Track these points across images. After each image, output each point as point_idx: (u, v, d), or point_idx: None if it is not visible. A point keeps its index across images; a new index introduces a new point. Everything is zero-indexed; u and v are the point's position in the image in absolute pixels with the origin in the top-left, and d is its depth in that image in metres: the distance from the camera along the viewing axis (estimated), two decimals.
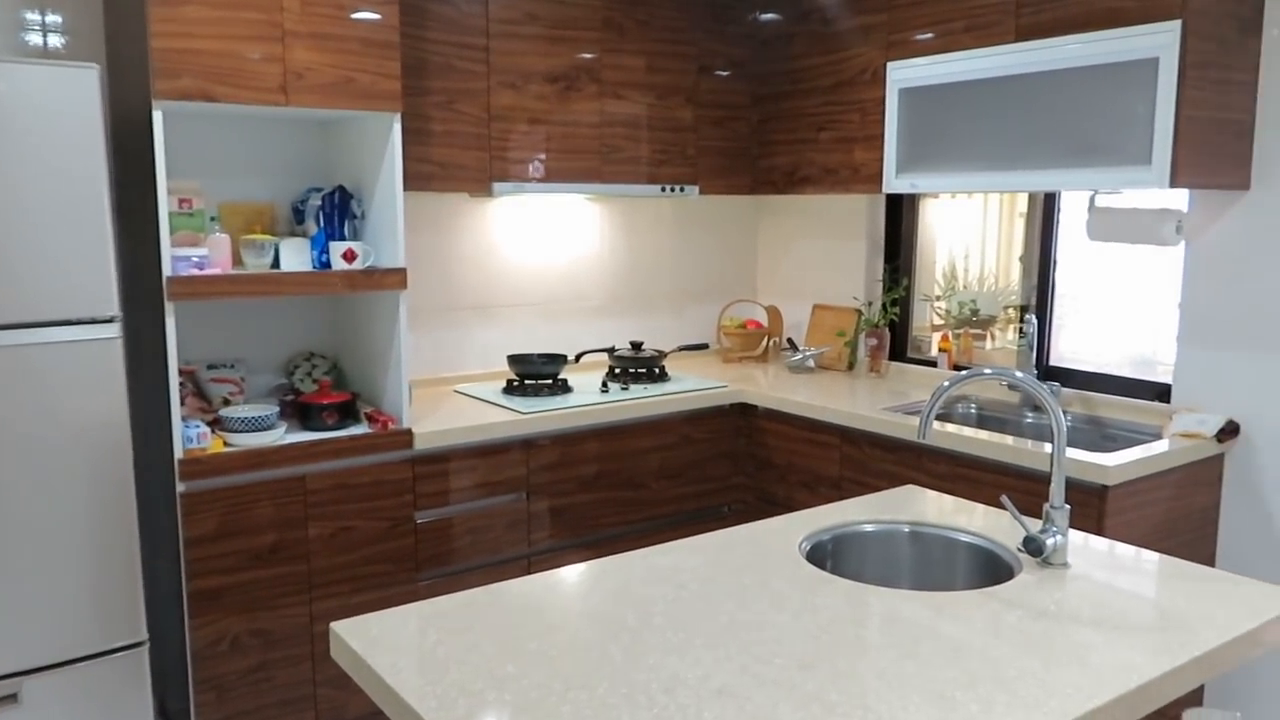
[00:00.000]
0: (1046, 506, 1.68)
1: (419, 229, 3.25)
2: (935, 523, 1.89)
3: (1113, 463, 2.34)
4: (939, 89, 2.89)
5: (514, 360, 3.23)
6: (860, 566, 1.89)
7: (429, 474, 2.74)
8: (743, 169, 3.60)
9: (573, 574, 1.64)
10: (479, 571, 2.86)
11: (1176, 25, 2.34)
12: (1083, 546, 1.78)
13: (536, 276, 3.53)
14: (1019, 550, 1.74)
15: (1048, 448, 2.49)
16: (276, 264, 2.63)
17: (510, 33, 3.01)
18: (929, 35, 2.94)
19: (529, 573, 3.00)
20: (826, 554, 1.86)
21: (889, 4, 3.06)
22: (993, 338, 4.21)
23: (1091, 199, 2.75)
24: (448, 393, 3.23)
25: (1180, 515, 2.57)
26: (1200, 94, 2.40)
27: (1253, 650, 1.45)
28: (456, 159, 2.95)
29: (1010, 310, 4.84)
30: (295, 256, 2.64)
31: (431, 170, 2.91)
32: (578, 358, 3.41)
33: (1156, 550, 1.95)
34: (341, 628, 1.43)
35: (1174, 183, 2.38)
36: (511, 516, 2.90)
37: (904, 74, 2.98)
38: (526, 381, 3.21)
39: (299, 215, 2.85)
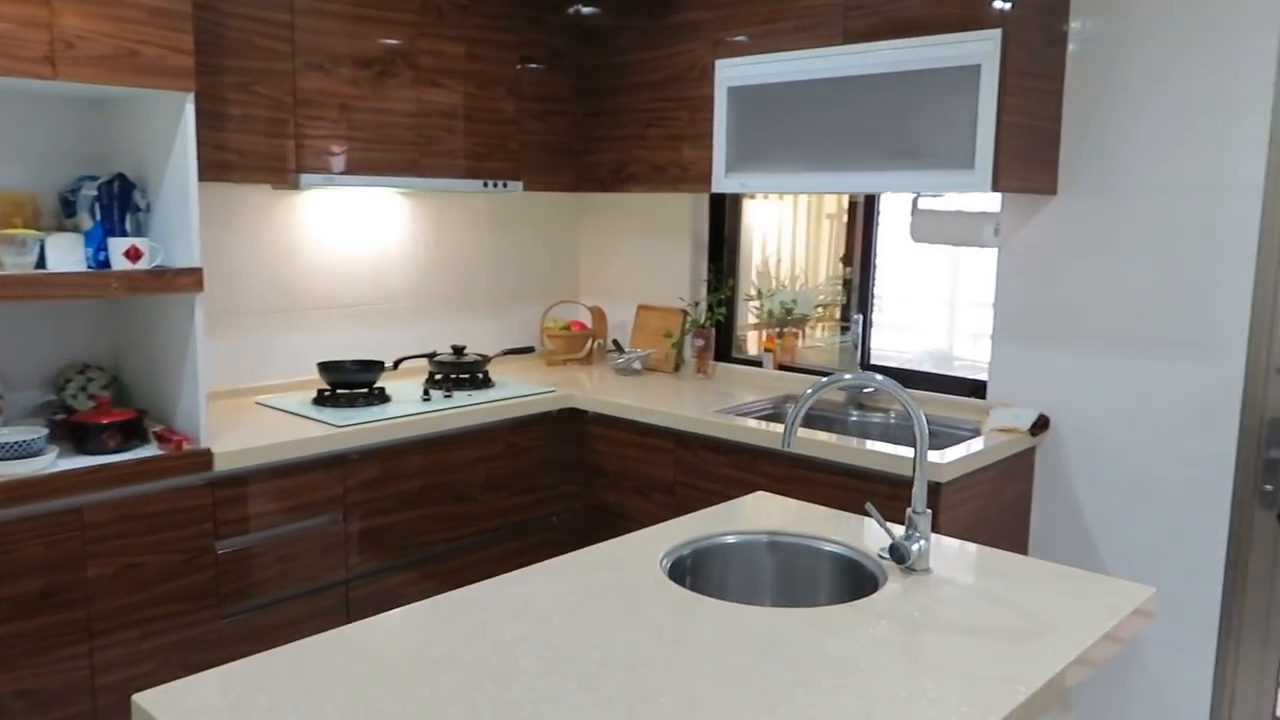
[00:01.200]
0: (909, 511, 1.66)
1: (215, 224, 2.92)
2: (795, 531, 1.84)
3: (946, 460, 2.39)
4: (768, 88, 2.87)
5: (325, 368, 2.97)
6: (723, 581, 1.81)
7: (231, 498, 2.45)
8: (566, 165, 3.48)
9: (421, 612, 1.46)
10: (292, 602, 2.59)
11: (997, 34, 2.41)
12: (936, 547, 1.77)
13: (347, 276, 3.27)
14: (880, 556, 1.71)
15: (879, 447, 2.52)
16: (42, 263, 2.27)
17: (317, 9, 2.75)
18: (758, 34, 2.92)
19: (348, 600, 2.78)
20: (686, 570, 1.77)
21: (717, 1, 3.02)
22: (803, 336, 4.30)
23: (914, 201, 2.81)
24: (248, 405, 2.93)
25: (998, 507, 2.66)
26: (1018, 101, 2.48)
27: (1114, 647, 1.47)
28: (257, 147, 2.66)
29: (821, 309, 4.98)
30: (65, 254, 2.28)
31: (229, 159, 2.61)
32: (396, 364, 3.18)
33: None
34: (146, 700, 1.20)
35: (996, 186, 2.45)
36: (327, 540, 2.65)
37: (733, 72, 2.95)
38: (339, 391, 2.95)
39: (69, 207, 2.48)
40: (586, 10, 3.40)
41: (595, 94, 3.41)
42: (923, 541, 1.64)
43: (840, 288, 5.14)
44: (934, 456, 2.42)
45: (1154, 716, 2.67)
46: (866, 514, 1.69)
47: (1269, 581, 2.46)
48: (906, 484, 2.43)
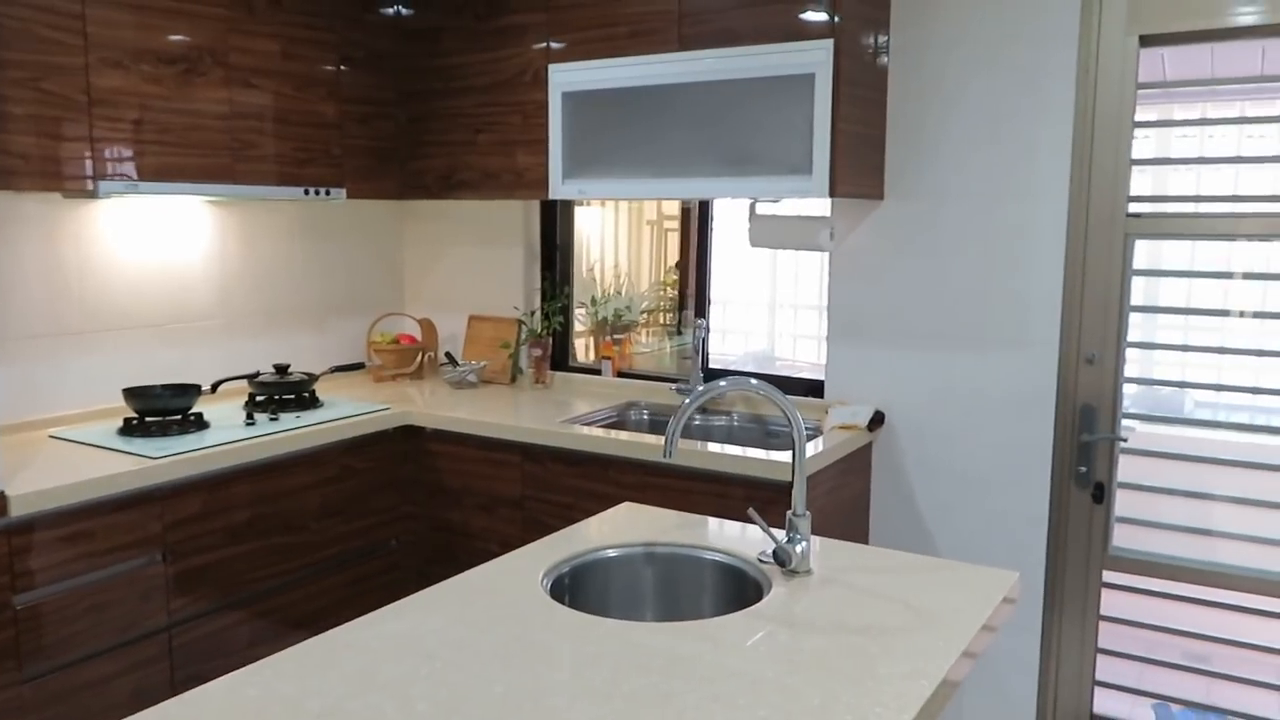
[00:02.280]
0: (789, 514, 1.66)
1: None
2: (672, 541, 1.81)
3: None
4: (604, 94, 2.85)
5: (132, 394, 2.69)
6: (605, 597, 1.76)
7: (30, 546, 2.17)
8: (392, 172, 3.32)
9: (292, 661, 1.33)
10: (108, 656, 2.33)
11: (829, 44, 2.48)
12: (809, 547, 1.79)
13: (152, 293, 2.98)
14: (761, 560, 1.71)
15: (735, 450, 2.54)
16: None
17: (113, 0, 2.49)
18: (592, 39, 2.89)
19: (171, 648, 2.53)
20: (565, 589, 1.71)
21: (548, 4, 2.96)
22: (630, 343, 4.32)
23: (752, 207, 2.86)
24: (40, 440, 2.61)
25: (841, 503, 2.75)
26: (850, 109, 2.57)
27: (989, 637, 1.53)
28: (45, 151, 2.38)
29: (646, 316, 5.01)
30: None
31: (11, 164, 2.32)
32: (214, 387, 2.93)
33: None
34: None
35: (833, 191, 2.53)
36: (145, 584, 2.40)
37: (567, 77, 2.91)
38: (149, 420, 2.68)
39: None
40: (406, 11, 3.26)
41: (421, 97, 3.28)
42: (804, 543, 1.65)
43: (666, 293, 5.21)
44: (785, 456, 2.46)
45: (988, 689, 2.83)
46: (748, 519, 1.68)
47: (1085, 556, 2.66)
48: (763, 486, 2.46)
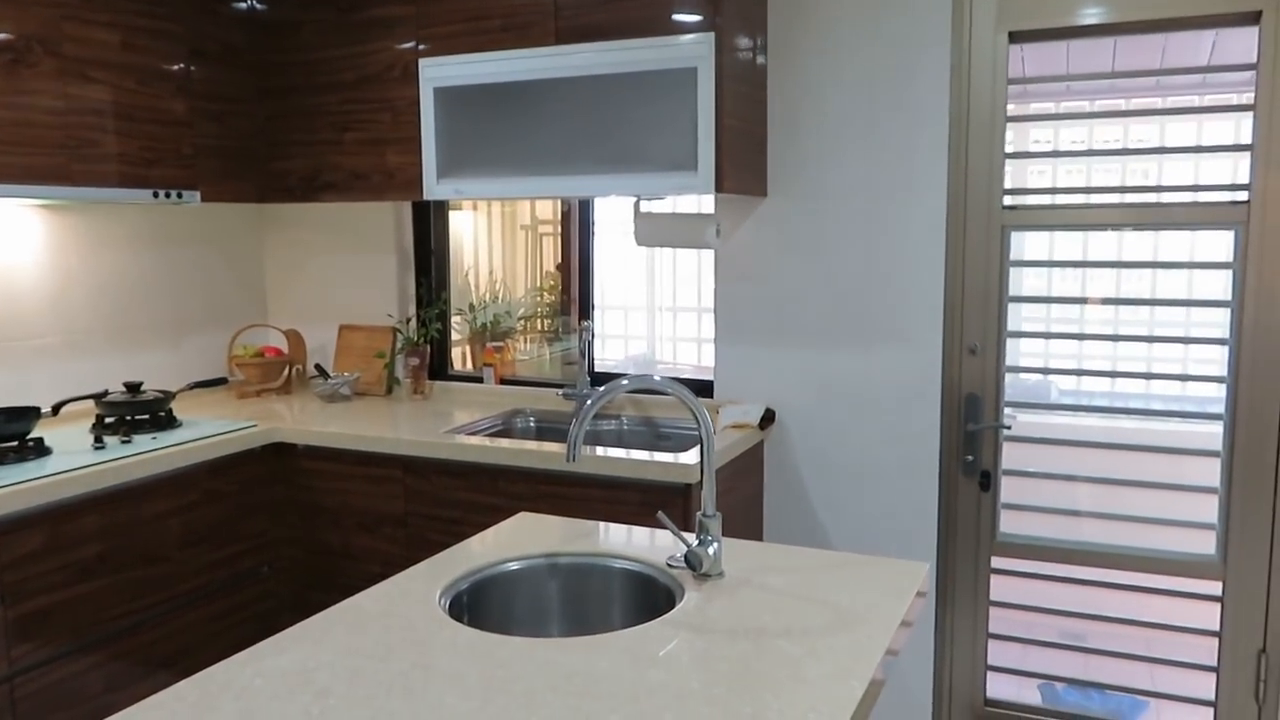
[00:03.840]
0: (700, 516, 1.60)
1: None
2: (574, 551, 1.72)
3: (692, 461, 2.38)
4: (479, 89, 2.73)
5: None
6: (508, 614, 1.65)
7: None
8: (250, 174, 3.11)
9: (163, 708, 1.18)
10: None
11: (710, 37, 2.44)
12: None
13: None
14: (670, 565, 1.64)
15: (628, 454, 2.46)
16: None
17: None
18: (464, 33, 2.77)
19: (13, 701, 2.27)
20: (465, 607, 1.59)
21: None
22: (510, 350, 4.20)
23: (636, 205, 2.80)
24: None
25: (734, 504, 2.71)
26: (733, 105, 2.54)
27: (906, 633, 1.50)
28: None
29: (524, 322, 4.90)
30: None
31: None
32: (55, 409, 2.66)
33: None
34: None
35: (719, 188, 2.49)
36: None
37: (439, 72, 2.78)
38: None
39: None
40: (261, 6, 3.06)
41: (280, 94, 3.08)
42: (716, 545, 1.58)
43: (545, 298, 5.10)
44: (682, 459, 2.40)
45: (885, 682, 2.84)
46: (649, 524, 1.61)
47: (974, 542, 2.70)
48: (659, 490, 2.39)
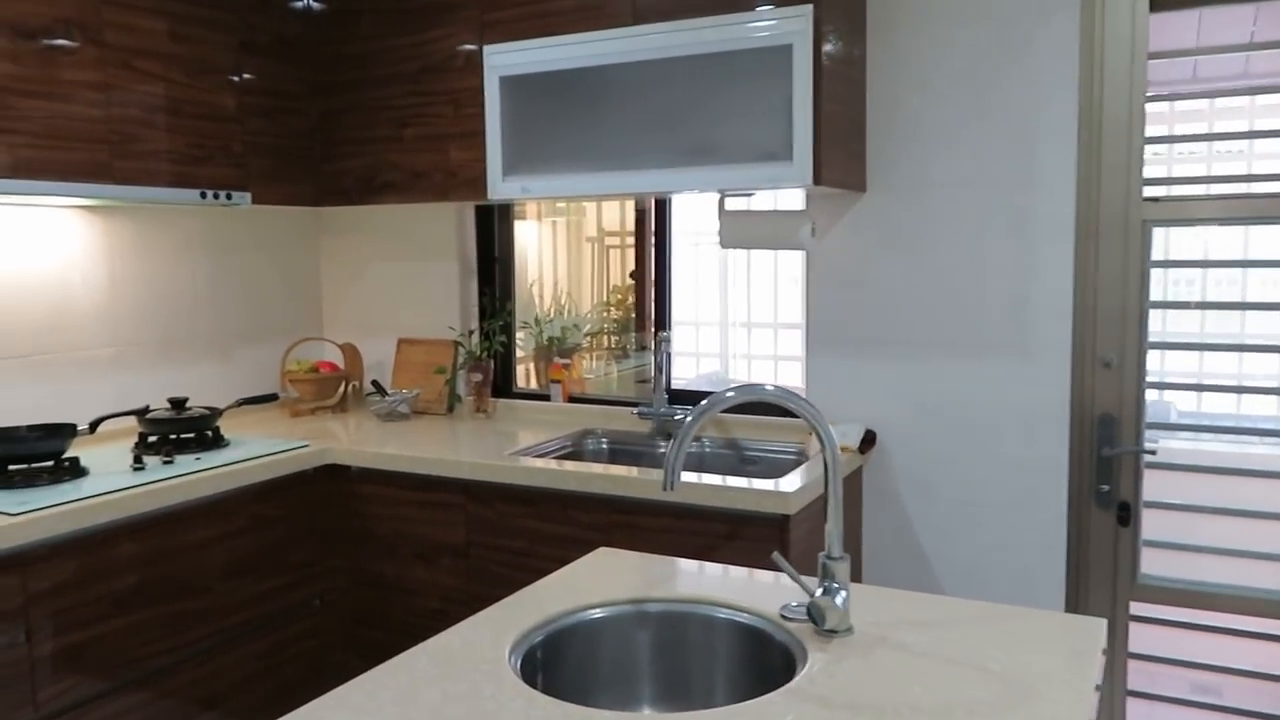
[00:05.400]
0: (823, 558, 1.31)
1: None
2: (668, 596, 1.45)
3: (791, 488, 2.09)
4: (548, 77, 2.50)
5: None
6: (590, 672, 1.38)
7: None
8: (303, 175, 2.91)
9: None
10: None
11: (807, 11, 2.17)
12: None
13: (12, 317, 2.52)
14: (784, 617, 1.35)
15: (717, 480, 2.18)
16: None
17: None
18: (532, 15, 2.54)
19: None
20: (538, 666, 1.33)
21: None
22: (578, 366, 3.96)
23: (720, 203, 2.53)
24: None
25: None
26: (832, 86, 2.27)
27: (1093, 702, 1.19)
28: None
29: (589, 338, 4.65)
30: None
31: None
32: (93, 426, 2.46)
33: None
34: None
35: (817, 179, 2.21)
36: (3, 670, 1.94)
37: (504, 59, 2.55)
38: (12, 467, 2.22)
39: None
40: None
41: (335, 89, 2.89)
42: (844, 595, 1.30)
43: (610, 314, 4.85)
44: (777, 485, 2.12)
45: None
46: (775, 565, 1.33)
47: (1110, 584, 2.36)
48: (750, 522, 2.11)
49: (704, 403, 1.30)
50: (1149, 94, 2.25)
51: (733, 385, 1.34)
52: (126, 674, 2.16)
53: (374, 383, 3.11)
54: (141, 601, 2.19)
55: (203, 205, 2.60)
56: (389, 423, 2.97)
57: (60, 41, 2.25)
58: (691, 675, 1.41)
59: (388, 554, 2.59)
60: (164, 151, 2.49)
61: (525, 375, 3.55)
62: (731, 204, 2.54)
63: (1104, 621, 1.33)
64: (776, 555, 1.29)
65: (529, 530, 2.38)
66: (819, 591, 1.30)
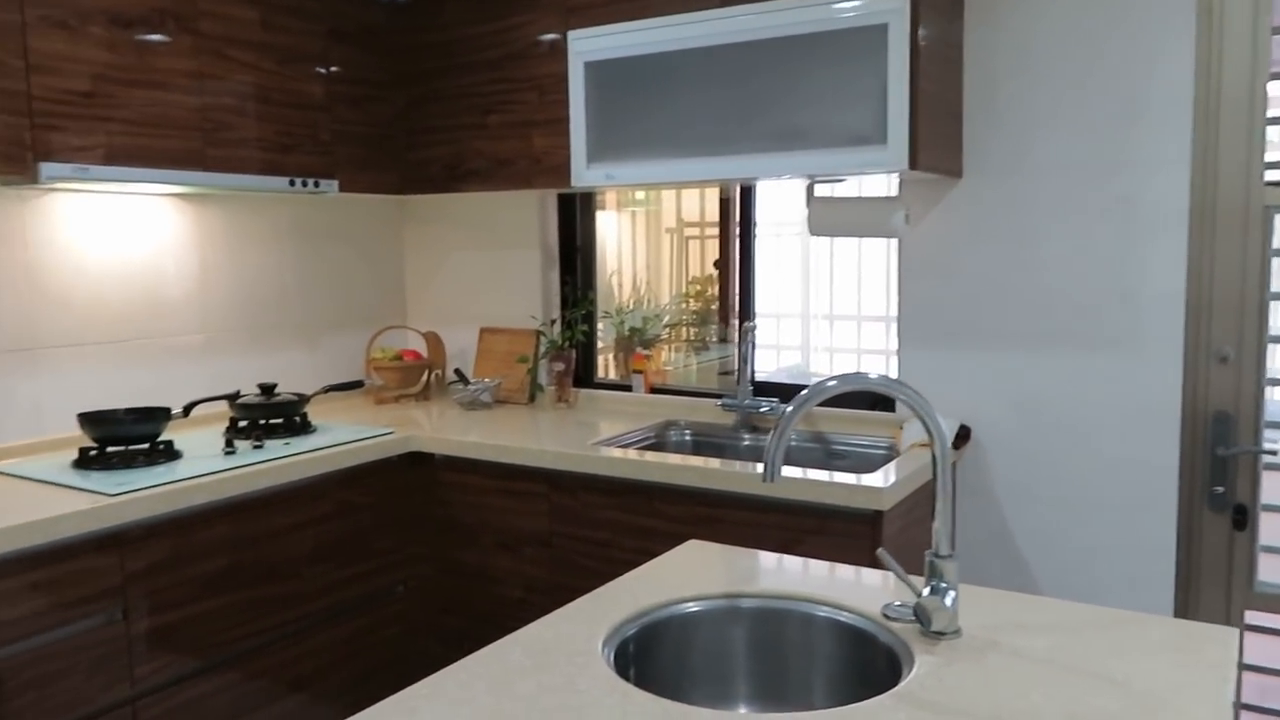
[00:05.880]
0: (930, 556, 1.25)
1: None
2: (764, 591, 1.40)
3: (885, 484, 2.02)
4: (633, 62, 2.45)
5: (89, 420, 2.28)
6: (683, 667, 1.34)
7: None
8: (388, 162, 2.92)
9: None
10: None
11: None
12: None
13: (111, 304, 2.58)
14: (886, 616, 1.29)
15: (807, 473, 2.12)
16: None
17: None
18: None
19: None
20: (631, 659, 1.29)
21: None
22: (659, 356, 3.92)
23: (809, 189, 2.46)
24: None
25: (919, 535, 2.32)
26: (930, 67, 2.18)
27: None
28: None
29: (668, 330, 4.61)
30: None
31: None
32: (186, 410, 2.51)
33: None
34: None
35: (913, 164, 2.13)
36: (102, 647, 1.98)
37: (589, 45, 2.52)
38: (110, 450, 2.27)
39: None
40: None
41: (420, 77, 2.89)
42: (953, 595, 1.23)
43: (690, 304, 4.81)
44: (870, 480, 2.05)
45: None
46: (879, 562, 1.27)
47: (1224, 592, 2.24)
48: (838, 517, 2.04)
49: (805, 392, 1.24)
50: (1273, 71, 2.12)
51: (834, 375, 1.28)
52: (217, 654, 2.19)
53: (456, 371, 3.12)
54: (231, 584, 2.22)
55: (291, 193, 2.63)
56: (471, 411, 2.97)
57: (157, 31, 2.29)
58: (788, 673, 1.35)
59: (470, 542, 2.59)
60: (254, 139, 2.52)
61: (604, 366, 3.53)
62: (820, 190, 2.47)
63: (1235, 631, 1.24)
64: (882, 552, 1.23)
65: (612, 521, 2.35)
66: (926, 591, 1.24)
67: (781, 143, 2.29)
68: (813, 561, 1.53)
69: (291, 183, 2.58)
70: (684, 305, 4.84)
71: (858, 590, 1.40)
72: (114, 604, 2.00)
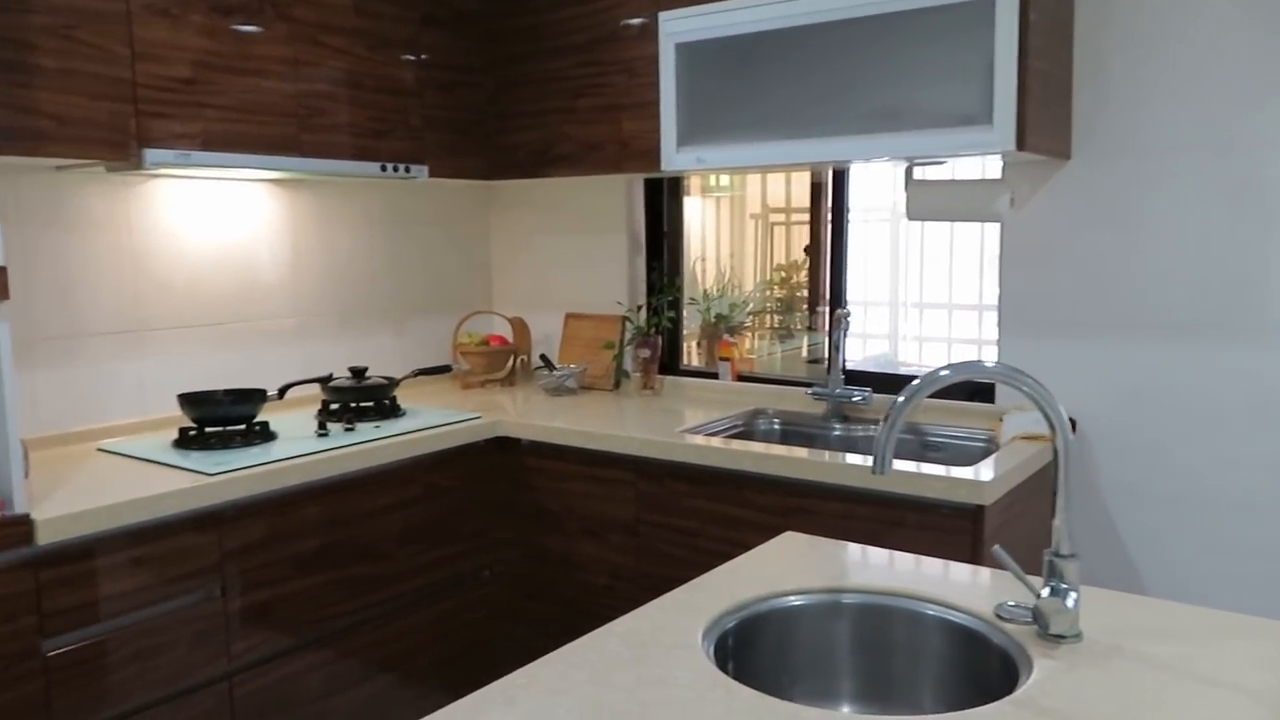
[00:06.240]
0: (1049, 556, 1.18)
1: (28, 220, 2.26)
2: (866, 586, 1.35)
3: (988, 477, 1.94)
4: (725, 43, 2.40)
5: (189, 401, 2.33)
6: (783, 663, 1.30)
7: (63, 579, 1.81)
8: (478, 147, 2.93)
9: None
10: (157, 711, 1.95)
11: None
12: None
13: (209, 288, 2.63)
14: (1000, 617, 1.23)
15: (904, 465, 2.06)
16: None
17: None
18: None
19: (232, 700, 2.14)
20: (729, 653, 1.25)
21: None
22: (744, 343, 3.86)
23: (908, 172, 2.38)
24: (88, 453, 2.27)
25: (1019, 533, 2.23)
26: (1040, 42, 2.08)
27: None
28: (83, 112, 2.03)
29: (752, 318, 4.55)
30: None
31: (43, 126, 1.97)
32: (281, 392, 2.55)
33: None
34: None
35: (1021, 144, 2.04)
36: (201, 623, 2.02)
37: (681, 25, 2.47)
38: (209, 430, 2.32)
39: None
40: None
41: (510, 62, 2.88)
42: (1074, 596, 1.16)
43: (774, 291, 4.74)
44: (970, 473, 1.97)
45: None
46: (996, 561, 1.21)
47: None
48: (937, 511, 1.97)
49: (917, 382, 1.19)
50: None
51: (948, 364, 1.22)
52: (309, 633, 2.23)
53: (542, 357, 3.11)
54: (324, 564, 2.25)
55: (382, 178, 2.64)
56: (557, 397, 2.97)
57: (254, 18, 2.31)
58: (893, 673, 1.30)
59: (556, 528, 2.58)
60: (347, 125, 2.54)
61: (687, 353, 3.49)
62: (920, 173, 2.39)
63: None
64: (999, 550, 1.17)
65: (700, 510, 2.31)
66: (1045, 592, 1.17)
67: (880, 123, 2.21)
68: (916, 556, 1.47)
69: (383, 168, 2.59)
70: (768, 292, 4.76)
71: (966, 588, 1.34)
72: (212, 581, 2.04)
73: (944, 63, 2.11)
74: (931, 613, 1.28)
